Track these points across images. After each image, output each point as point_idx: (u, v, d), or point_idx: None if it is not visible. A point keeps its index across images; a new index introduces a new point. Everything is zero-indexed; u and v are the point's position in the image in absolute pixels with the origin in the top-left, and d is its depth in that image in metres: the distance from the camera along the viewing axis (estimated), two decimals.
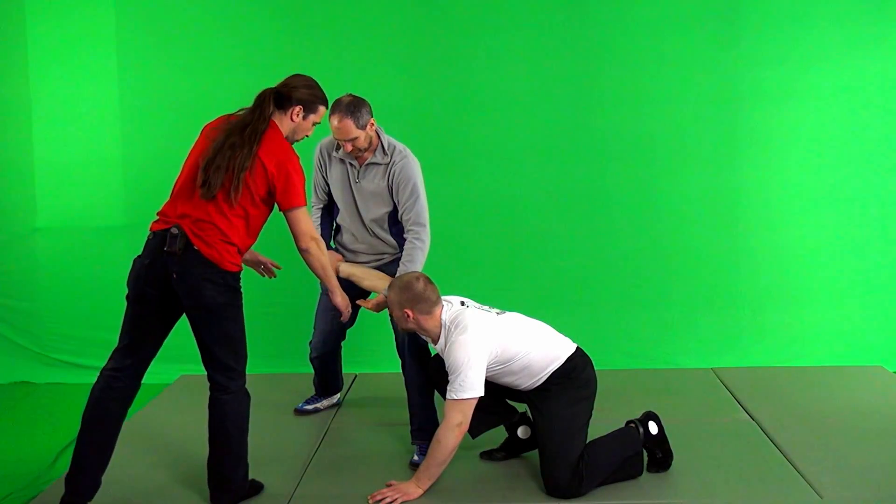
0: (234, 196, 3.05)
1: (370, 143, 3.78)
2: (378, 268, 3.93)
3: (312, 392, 4.36)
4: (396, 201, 3.82)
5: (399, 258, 3.88)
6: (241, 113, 3.21)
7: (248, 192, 3.10)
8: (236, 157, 3.06)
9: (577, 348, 3.50)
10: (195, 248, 3.05)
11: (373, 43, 4.95)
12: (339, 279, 3.93)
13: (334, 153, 3.89)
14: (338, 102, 3.69)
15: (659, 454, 3.52)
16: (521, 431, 3.67)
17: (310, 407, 4.29)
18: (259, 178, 3.10)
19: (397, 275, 3.75)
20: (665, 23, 4.92)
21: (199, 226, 3.07)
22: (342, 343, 4.23)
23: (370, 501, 3.28)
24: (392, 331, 3.81)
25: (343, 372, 4.38)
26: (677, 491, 3.36)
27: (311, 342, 4.20)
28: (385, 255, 3.95)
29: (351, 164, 3.85)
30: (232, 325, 3.14)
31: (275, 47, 4.98)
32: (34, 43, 5.01)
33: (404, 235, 3.84)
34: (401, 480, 3.37)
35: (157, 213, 3.17)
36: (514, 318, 3.46)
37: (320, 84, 3.32)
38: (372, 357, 4.84)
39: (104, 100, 5.02)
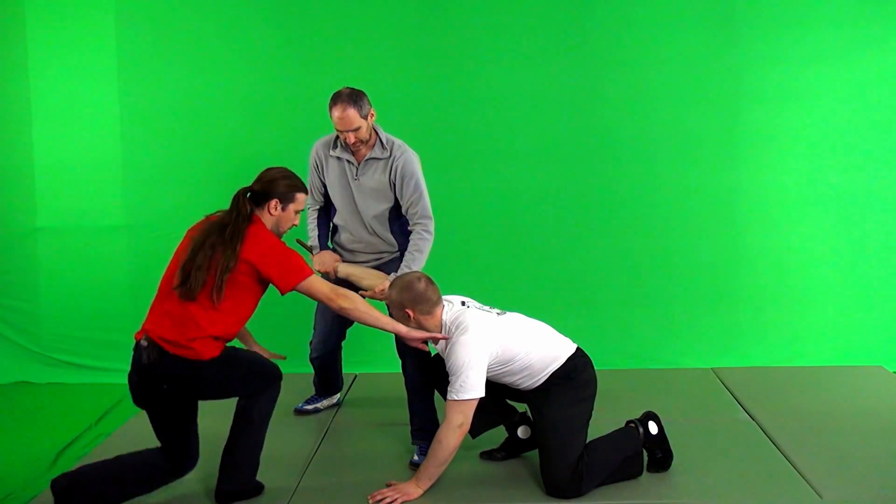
0: (216, 297, 3.05)
1: (370, 136, 3.78)
2: (377, 267, 3.93)
3: (312, 392, 4.36)
4: (399, 196, 3.82)
5: (398, 257, 3.89)
6: (219, 213, 3.20)
7: (238, 288, 3.10)
8: (217, 256, 3.06)
9: (578, 349, 3.50)
10: (170, 354, 3.05)
11: (373, 43, 4.95)
12: (338, 279, 3.94)
13: (331, 152, 3.88)
14: (338, 94, 3.70)
15: (659, 454, 3.52)
16: (521, 431, 3.67)
17: (310, 407, 4.30)
18: (249, 276, 3.11)
19: (403, 263, 3.80)
20: (665, 23, 4.92)
21: (173, 325, 3.05)
22: (342, 343, 4.24)
23: (370, 501, 3.29)
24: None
25: (343, 372, 4.38)
26: (677, 491, 3.36)
27: (311, 342, 4.20)
28: (384, 255, 3.95)
29: (349, 162, 3.85)
30: (238, 372, 3.17)
31: (275, 47, 4.98)
32: (34, 43, 5.01)
33: (410, 227, 3.84)
34: (401, 480, 3.37)
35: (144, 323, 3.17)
36: (515, 319, 3.46)
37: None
38: (372, 357, 4.84)
39: (104, 100, 5.02)
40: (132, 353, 3.13)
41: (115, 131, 5.04)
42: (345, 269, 3.89)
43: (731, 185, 5.03)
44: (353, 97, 3.68)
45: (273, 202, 3.22)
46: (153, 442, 3.23)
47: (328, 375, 4.28)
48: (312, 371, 4.30)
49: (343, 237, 4.00)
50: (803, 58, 4.91)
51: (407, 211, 3.84)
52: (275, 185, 3.23)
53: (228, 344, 3.20)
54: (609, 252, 5.06)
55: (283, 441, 3.83)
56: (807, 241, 5.04)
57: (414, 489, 3.30)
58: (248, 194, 3.22)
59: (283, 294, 3.20)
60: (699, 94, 4.96)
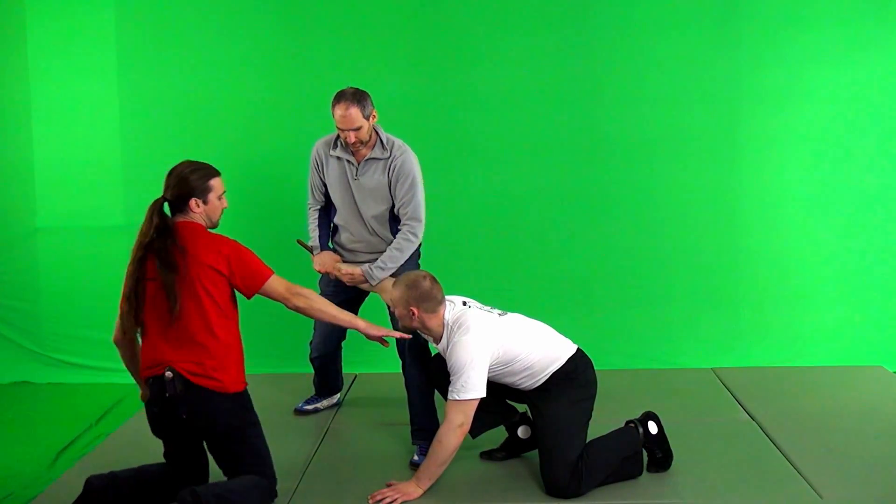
0: (175, 306, 3.01)
1: (370, 137, 3.78)
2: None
3: (312, 392, 4.36)
4: (393, 195, 3.82)
5: None
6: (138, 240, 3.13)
7: (214, 301, 3.07)
8: (164, 272, 3.01)
9: (578, 349, 3.50)
10: (194, 384, 3.03)
11: (373, 43, 4.95)
12: (326, 280, 3.94)
13: (331, 151, 3.88)
14: (342, 93, 3.71)
15: (659, 454, 3.52)
16: (522, 431, 3.67)
17: (310, 407, 4.29)
18: (218, 282, 3.08)
19: (380, 259, 3.82)
20: (665, 23, 4.92)
21: (187, 358, 3.05)
22: (342, 343, 4.23)
23: (370, 501, 3.29)
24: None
25: (343, 372, 4.38)
26: (677, 491, 3.36)
27: (311, 342, 4.20)
28: (383, 253, 3.94)
29: (349, 162, 3.85)
30: (253, 443, 3.16)
31: (275, 47, 4.98)
32: (34, 43, 5.01)
33: (399, 226, 3.85)
34: (401, 480, 3.37)
35: (142, 364, 3.15)
36: (516, 319, 3.47)
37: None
38: (372, 357, 4.84)
39: (104, 100, 5.02)
40: (149, 386, 3.11)
41: (115, 131, 5.04)
42: (346, 270, 3.89)
43: (732, 185, 5.02)
44: (356, 96, 3.69)
45: (192, 201, 3.15)
46: (152, 442, 3.23)
47: (328, 375, 4.27)
48: (312, 371, 4.30)
49: (343, 237, 4.00)
50: (803, 58, 4.91)
51: (398, 210, 3.84)
52: (185, 184, 3.15)
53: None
54: (609, 252, 5.06)
55: (283, 441, 3.83)
56: (807, 240, 5.04)
57: (414, 489, 3.30)
58: (164, 204, 3.15)
59: (248, 298, 3.19)
60: (699, 94, 4.95)
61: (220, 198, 3.23)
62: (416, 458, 3.66)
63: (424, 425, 3.72)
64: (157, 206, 3.12)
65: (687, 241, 5.03)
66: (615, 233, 5.05)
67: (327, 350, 4.17)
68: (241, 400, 3.14)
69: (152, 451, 3.46)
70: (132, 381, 4.86)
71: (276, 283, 3.18)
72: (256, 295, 3.20)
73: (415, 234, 3.82)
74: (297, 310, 3.23)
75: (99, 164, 5.05)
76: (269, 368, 4.84)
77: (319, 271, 3.98)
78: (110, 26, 4.97)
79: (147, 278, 3.09)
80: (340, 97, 3.70)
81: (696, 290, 5.06)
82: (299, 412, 4.27)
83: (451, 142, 4.99)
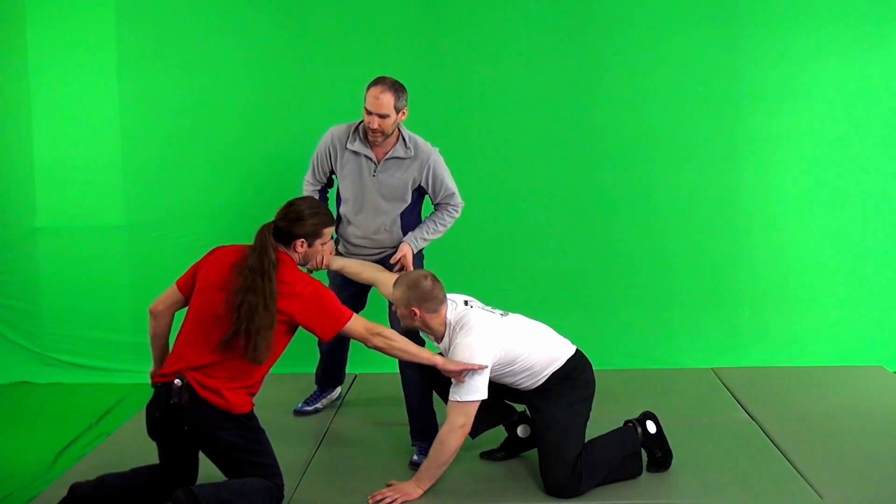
0: (262, 357, 3.01)
1: (391, 133, 3.74)
2: (378, 261, 3.90)
3: (313, 390, 4.33)
4: (433, 193, 3.88)
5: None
6: (244, 253, 3.10)
7: (275, 338, 3.08)
8: (258, 314, 2.99)
9: (577, 350, 3.50)
10: (201, 397, 3.02)
11: (373, 43, 4.95)
12: (334, 273, 3.88)
13: (349, 144, 3.80)
14: (382, 78, 3.68)
15: (658, 454, 3.52)
16: (521, 430, 3.67)
17: (310, 408, 4.27)
18: (285, 325, 3.10)
19: (419, 229, 3.86)
20: (665, 23, 4.92)
21: (204, 372, 3.03)
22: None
23: (370, 501, 3.29)
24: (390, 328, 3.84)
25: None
26: (677, 491, 3.36)
27: None
28: (387, 249, 3.93)
29: (367, 158, 3.79)
30: (256, 459, 3.14)
31: (275, 47, 4.97)
32: (34, 43, 5.01)
33: (442, 208, 3.93)
34: (401, 480, 3.37)
35: (161, 370, 3.13)
36: (518, 320, 3.47)
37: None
38: (372, 357, 4.81)
39: (104, 100, 5.01)
40: (157, 388, 3.10)
41: (115, 131, 5.04)
42: (338, 264, 3.81)
43: (732, 185, 5.03)
44: (395, 85, 3.66)
45: (299, 241, 3.18)
46: (152, 442, 3.22)
47: (333, 364, 4.23)
48: (312, 371, 4.29)
49: (349, 230, 3.93)
50: (803, 58, 4.91)
51: (440, 202, 3.92)
52: (301, 226, 3.17)
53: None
54: (609, 252, 5.06)
55: (283, 441, 3.82)
56: (807, 240, 5.04)
57: (414, 489, 3.30)
58: (273, 230, 3.14)
59: (324, 342, 3.23)
60: (699, 94, 4.95)
61: (323, 244, 3.27)
62: (415, 457, 3.66)
63: (424, 426, 3.72)
64: (269, 234, 3.11)
65: (687, 241, 5.04)
66: (615, 232, 5.05)
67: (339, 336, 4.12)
68: (246, 420, 3.12)
69: (153, 451, 3.46)
70: (132, 381, 4.92)
71: (355, 323, 3.20)
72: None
73: (457, 211, 3.95)
74: (378, 349, 3.25)
75: (99, 164, 5.05)
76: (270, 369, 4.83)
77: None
78: (110, 26, 4.97)
79: (218, 287, 3.07)
80: (379, 80, 3.66)
81: (696, 290, 5.06)
82: (299, 413, 4.25)
83: (452, 141, 4.95)
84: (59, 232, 5.11)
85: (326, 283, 4.03)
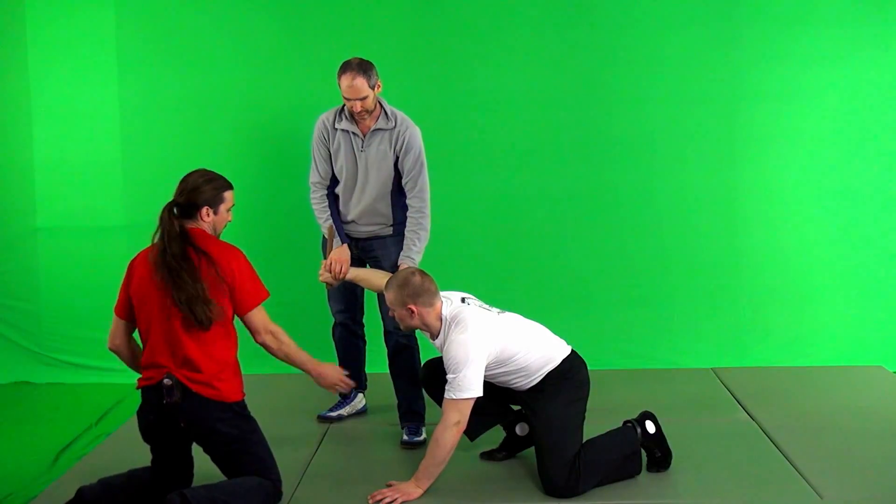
0: (207, 316, 3.01)
1: (374, 107, 3.81)
2: (373, 237, 3.94)
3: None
4: (401, 168, 3.85)
5: (395, 229, 3.91)
6: (155, 248, 3.11)
7: (224, 313, 3.08)
8: (185, 286, 3.00)
9: (572, 350, 3.51)
10: (193, 391, 3.03)
11: (374, 43, 4.93)
12: (347, 282, 3.90)
13: (336, 124, 3.88)
14: (348, 63, 3.76)
15: (658, 453, 3.52)
16: (519, 429, 3.67)
17: (333, 414, 4.19)
18: (226, 293, 3.08)
19: (406, 248, 3.83)
20: (665, 23, 4.92)
21: (188, 366, 3.04)
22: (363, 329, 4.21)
23: (370, 501, 3.29)
24: (381, 321, 3.95)
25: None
26: (677, 491, 3.36)
27: (333, 311, 4.13)
28: (381, 227, 3.95)
29: (354, 134, 3.86)
30: (255, 450, 3.15)
31: (274, 47, 4.97)
32: (34, 43, 5.01)
33: (407, 201, 3.87)
34: (401, 480, 3.37)
35: (142, 371, 3.13)
36: (514, 319, 3.47)
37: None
38: (371, 357, 4.83)
39: (104, 100, 5.01)
40: (144, 393, 3.10)
41: (115, 131, 5.04)
42: (352, 274, 3.83)
43: (732, 185, 5.02)
44: (362, 66, 3.74)
45: (204, 210, 3.17)
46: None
47: (349, 358, 4.15)
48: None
49: (342, 208, 3.98)
50: (803, 58, 4.91)
51: (406, 184, 3.87)
52: (200, 193, 3.16)
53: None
54: (609, 251, 5.06)
55: (284, 441, 3.83)
56: (807, 240, 5.04)
57: (414, 489, 3.30)
58: (175, 209, 3.14)
59: (239, 315, 3.16)
60: (699, 94, 4.95)
61: (228, 210, 3.26)
62: (405, 437, 3.77)
63: (411, 407, 3.87)
64: (169, 213, 3.12)
65: (687, 240, 5.03)
66: (615, 232, 5.05)
67: (350, 315, 4.10)
68: (240, 408, 3.13)
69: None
70: (132, 381, 4.89)
71: (258, 313, 3.17)
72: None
73: (422, 213, 3.86)
74: (264, 346, 3.23)
75: (99, 164, 5.05)
76: (270, 368, 4.81)
77: (330, 264, 3.86)
78: (110, 26, 4.97)
79: (154, 292, 3.08)
80: (346, 67, 3.74)
81: (697, 289, 5.06)
82: (323, 419, 4.16)
83: (452, 141, 4.99)
84: (59, 232, 5.11)
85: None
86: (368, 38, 4.93)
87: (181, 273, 3.01)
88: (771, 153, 5.00)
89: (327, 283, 3.86)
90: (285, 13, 4.98)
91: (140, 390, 3.14)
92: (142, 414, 3.14)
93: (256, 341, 3.23)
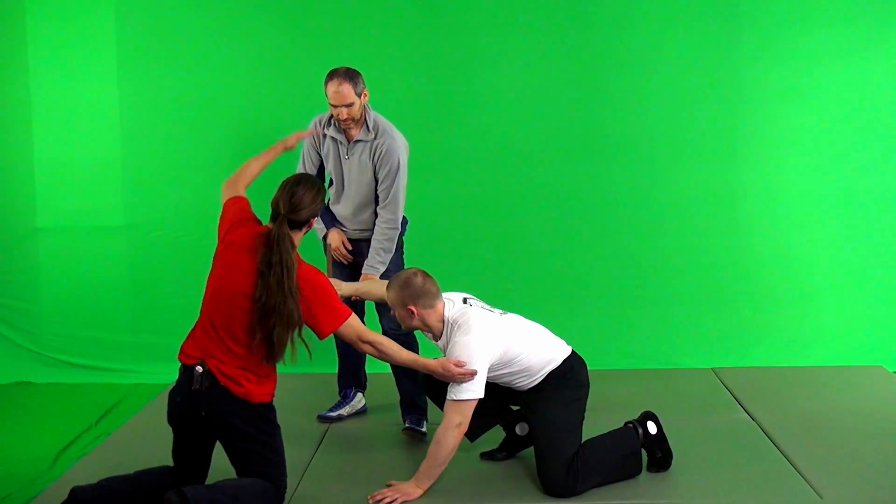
0: (276, 357, 3.06)
1: (360, 116, 3.84)
2: (362, 239, 3.98)
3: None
4: (377, 178, 3.88)
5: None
6: (260, 250, 3.04)
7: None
8: (277, 328, 3.00)
9: (573, 351, 3.51)
10: (221, 384, 3.04)
11: (374, 43, 4.95)
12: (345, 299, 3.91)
13: (326, 130, 3.94)
14: (334, 70, 3.80)
15: (658, 454, 3.52)
16: (519, 428, 3.67)
17: (333, 414, 4.20)
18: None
19: (371, 259, 3.87)
20: (665, 23, 4.92)
21: (224, 361, 3.05)
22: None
23: (370, 501, 3.29)
24: (378, 321, 3.96)
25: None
26: (677, 491, 3.36)
27: None
28: (368, 230, 3.98)
29: (339, 142, 3.92)
30: (266, 453, 3.15)
31: (275, 47, 4.97)
32: (34, 43, 5.01)
33: (377, 222, 3.90)
34: (401, 481, 3.37)
35: (182, 346, 3.13)
36: (516, 320, 3.47)
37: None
38: (370, 356, 4.84)
39: (104, 100, 5.01)
40: (179, 373, 3.11)
41: (115, 131, 5.04)
42: (349, 289, 3.79)
43: (732, 185, 5.02)
44: (349, 74, 3.78)
45: (304, 228, 3.21)
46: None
47: (348, 365, 4.18)
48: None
49: (335, 209, 4.06)
50: (803, 58, 4.91)
51: (380, 193, 3.89)
52: (309, 212, 3.16)
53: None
54: (609, 251, 5.06)
55: (284, 441, 3.83)
56: (807, 240, 5.04)
57: (414, 489, 3.30)
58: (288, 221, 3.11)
59: (321, 339, 3.18)
60: (699, 94, 4.95)
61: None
62: (407, 424, 3.87)
63: (413, 400, 3.91)
64: (289, 244, 3.07)
65: (688, 241, 5.04)
66: (616, 232, 5.05)
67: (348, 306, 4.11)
68: (263, 410, 3.13)
69: (152, 451, 3.47)
70: (132, 381, 4.92)
71: (351, 325, 3.18)
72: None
73: (391, 225, 3.88)
74: (368, 352, 3.29)
75: (99, 164, 5.05)
76: None
77: (331, 249, 4.00)
78: (110, 26, 4.97)
79: (238, 279, 3.06)
80: (333, 74, 3.78)
81: (697, 290, 5.06)
82: (323, 419, 4.17)
83: (452, 141, 4.99)
84: (59, 232, 5.11)
85: (327, 273, 4.05)
86: (368, 38, 4.94)
87: (287, 302, 3.00)
88: (771, 153, 5.00)
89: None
90: (285, 14, 4.98)
91: (179, 368, 3.13)
92: (172, 393, 3.16)
93: (358, 350, 3.31)
